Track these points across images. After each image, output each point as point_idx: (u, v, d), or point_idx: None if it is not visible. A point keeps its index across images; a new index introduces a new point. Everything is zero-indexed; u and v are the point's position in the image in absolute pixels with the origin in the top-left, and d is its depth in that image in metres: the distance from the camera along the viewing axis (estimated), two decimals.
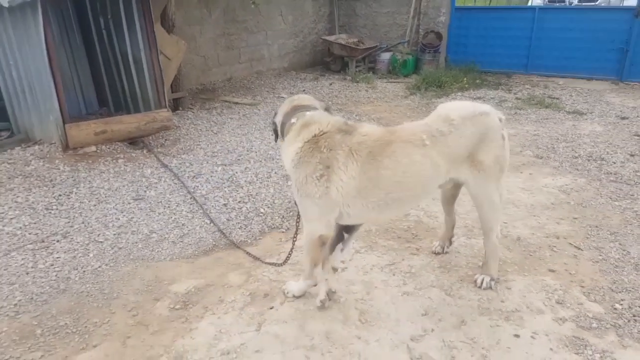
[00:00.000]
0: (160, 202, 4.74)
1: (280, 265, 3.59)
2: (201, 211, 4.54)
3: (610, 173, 5.40)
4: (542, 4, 11.08)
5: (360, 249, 3.91)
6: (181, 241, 4.07)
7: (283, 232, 4.25)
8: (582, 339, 2.92)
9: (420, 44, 10.74)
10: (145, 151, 6.05)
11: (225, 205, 4.69)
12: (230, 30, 9.69)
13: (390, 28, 11.40)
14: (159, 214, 4.50)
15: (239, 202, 4.76)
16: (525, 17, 10.48)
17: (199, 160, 5.77)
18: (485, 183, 3.06)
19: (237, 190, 4.99)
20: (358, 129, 2.91)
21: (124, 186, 5.03)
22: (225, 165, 5.65)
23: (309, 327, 3.03)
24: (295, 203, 3.07)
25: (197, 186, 5.07)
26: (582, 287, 3.43)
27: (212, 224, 4.32)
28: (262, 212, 4.56)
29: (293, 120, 2.93)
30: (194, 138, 6.66)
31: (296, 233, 3.47)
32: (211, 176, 5.33)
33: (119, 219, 4.38)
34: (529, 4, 12.64)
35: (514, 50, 10.65)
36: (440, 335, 2.95)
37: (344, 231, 3.28)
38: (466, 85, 9.37)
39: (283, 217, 4.49)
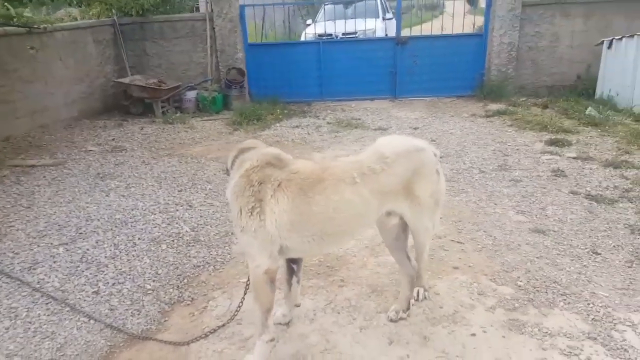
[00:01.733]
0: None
1: (227, 323, 3.35)
2: (67, 309, 3.64)
3: None
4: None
5: None
6: (62, 355, 3.18)
7: (188, 304, 3.71)
8: (517, 320, 3.34)
9: (224, 81, 10.67)
10: None
11: (96, 293, 3.86)
12: None
13: (189, 66, 11.06)
14: (6, 329, 3.44)
15: (113, 284, 3.97)
16: (311, 50, 11.35)
17: (24, 246, 4.63)
18: (421, 216, 3.09)
19: (103, 271, 4.16)
20: (289, 165, 2.93)
21: None
22: (67, 244, 4.64)
23: None
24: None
25: (42, 279, 4.04)
26: (486, 275, 3.90)
27: (93, 321, 3.51)
28: (149, 289, 3.90)
29: (237, 162, 3.02)
30: None
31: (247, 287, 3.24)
32: (54, 262, 4.31)
33: None
34: (302, 38, 13.57)
35: (309, 81, 11.44)
36: (416, 359, 3.02)
37: (292, 263, 3.29)
38: (280, 116, 9.68)
39: (178, 287, 3.92)
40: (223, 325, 3.36)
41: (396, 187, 2.93)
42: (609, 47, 9.50)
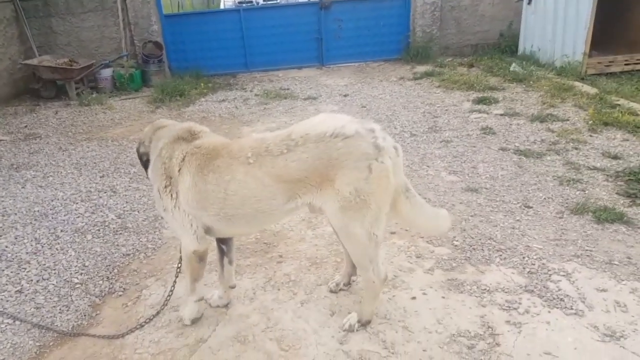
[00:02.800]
0: None
1: (161, 310, 3.20)
2: None
3: None
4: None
5: None
6: None
7: (120, 295, 3.48)
8: (455, 279, 3.38)
9: (141, 55, 10.06)
10: None
11: (19, 292, 3.54)
12: None
13: (101, 43, 10.29)
14: None
15: (37, 281, 3.65)
16: (232, 18, 10.92)
17: None
18: (343, 215, 2.57)
19: (24, 268, 3.82)
20: (197, 139, 2.82)
21: None
22: None
23: None
24: None
25: None
26: (422, 237, 3.91)
27: (18, 322, 3.23)
28: (77, 283, 3.63)
29: (154, 142, 2.92)
30: None
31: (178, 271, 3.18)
32: None
33: None
34: (222, 7, 13.08)
35: (232, 51, 11.04)
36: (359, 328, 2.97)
37: (221, 243, 3.14)
38: (204, 91, 9.29)
39: (108, 278, 3.67)
40: (157, 313, 3.19)
41: (302, 174, 2.54)
42: (529, 2, 9.78)
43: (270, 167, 2.54)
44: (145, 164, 3.02)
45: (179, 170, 2.70)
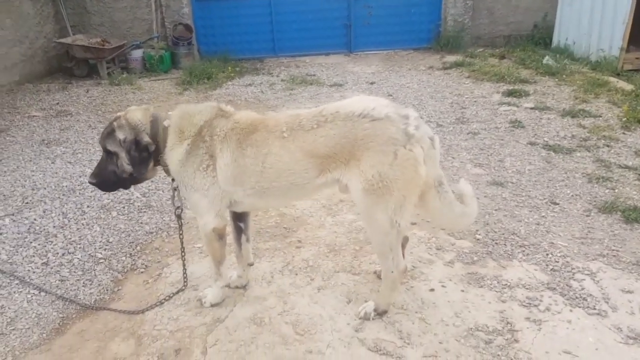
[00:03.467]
0: None
1: (182, 290, 3.26)
2: (16, 282, 3.43)
3: None
4: None
5: None
6: (12, 329, 3.02)
7: (142, 272, 3.55)
8: (475, 273, 3.33)
9: (171, 38, 10.13)
10: None
11: (45, 264, 3.65)
12: None
13: (133, 24, 10.40)
14: None
15: (63, 254, 3.76)
16: (262, 3, 10.85)
17: None
18: (366, 198, 2.54)
19: (51, 241, 3.93)
20: (234, 115, 2.84)
21: None
22: (13, 214, 4.36)
23: None
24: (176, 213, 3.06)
25: None
26: (444, 229, 3.84)
27: (43, 293, 3.33)
28: (100, 258, 3.71)
29: (165, 123, 2.84)
30: None
31: (183, 251, 3.24)
32: (0, 234, 4.05)
33: None
34: None
35: (260, 36, 11.01)
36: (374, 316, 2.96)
37: (238, 221, 3.17)
38: (232, 74, 9.32)
39: (131, 254, 3.75)
40: (178, 291, 3.25)
41: (329, 150, 2.55)
42: None
43: (302, 142, 2.60)
44: (147, 157, 2.81)
45: (220, 149, 2.71)
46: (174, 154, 2.80)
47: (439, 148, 2.63)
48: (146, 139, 2.76)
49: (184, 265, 3.26)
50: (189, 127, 2.78)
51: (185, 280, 3.28)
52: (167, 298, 3.21)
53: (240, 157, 2.68)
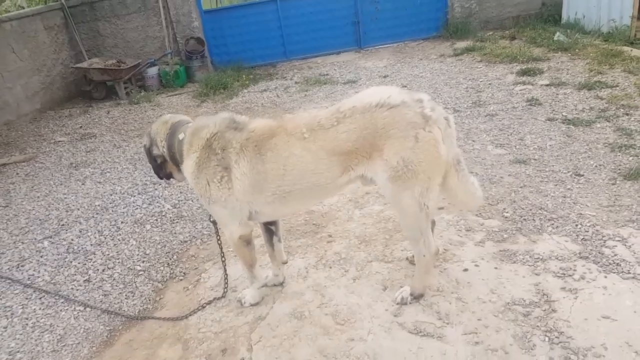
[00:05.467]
0: None
1: (222, 297, 3.34)
2: (62, 301, 3.59)
3: None
4: None
5: None
6: (63, 345, 3.17)
7: (181, 279, 3.68)
8: (507, 250, 3.36)
9: (184, 52, 10.33)
10: None
11: (87, 281, 3.81)
12: None
13: (145, 42, 10.63)
14: (4, 328, 3.40)
15: (103, 270, 3.92)
16: (269, 9, 10.96)
17: (8, 245, 4.52)
18: (393, 185, 2.60)
19: (91, 259, 4.10)
20: (248, 125, 2.85)
21: None
22: (51, 237, 4.55)
23: (299, 357, 2.75)
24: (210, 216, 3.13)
25: (32, 275, 3.98)
26: (471, 211, 3.87)
27: (89, 309, 3.47)
28: (140, 270, 3.85)
29: (180, 136, 2.92)
30: None
31: (223, 257, 3.35)
32: (41, 256, 4.23)
33: None
34: None
35: (271, 42, 11.12)
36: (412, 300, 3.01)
37: (268, 225, 3.24)
38: (246, 82, 9.46)
39: (169, 264, 3.89)
40: (222, 296, 3.35)
41: (352, 145, 2.58)
42: None
43: (323, 141, 2.62)
44: (160, 165, 3.10)
45: (235, 160, 2.72)
46: (185, 166, 2.91)
47: (454, 127, 2.68)
48: (155, 150, 2.99)
49: (224, 269, 3.35)
50: (197, 141, 2.84)
51: (226, 284, 3.36)
52: (208, 302, 3.31)
53: (260, 164, 2.70)
